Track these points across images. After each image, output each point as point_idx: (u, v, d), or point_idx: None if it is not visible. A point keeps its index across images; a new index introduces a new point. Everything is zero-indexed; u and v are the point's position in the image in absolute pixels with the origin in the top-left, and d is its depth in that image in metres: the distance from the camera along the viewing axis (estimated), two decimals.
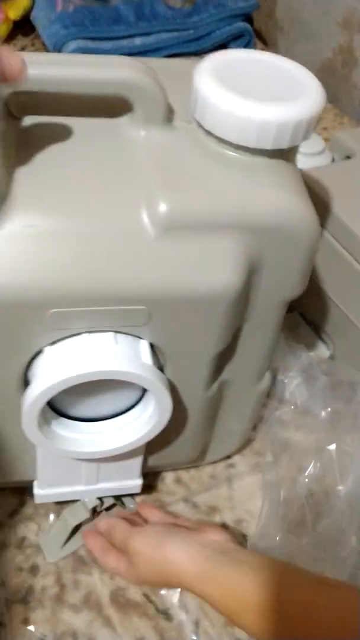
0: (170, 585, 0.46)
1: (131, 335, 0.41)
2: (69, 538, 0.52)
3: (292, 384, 0.66)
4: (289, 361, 0.66)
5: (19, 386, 0.42)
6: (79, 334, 0.40)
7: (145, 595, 0.52)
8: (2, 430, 0.45)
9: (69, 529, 0.52)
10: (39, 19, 0.99)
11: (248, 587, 0.41)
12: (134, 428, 0.45)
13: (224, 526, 0.56)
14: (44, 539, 0.53)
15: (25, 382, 0.42)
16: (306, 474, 0.59)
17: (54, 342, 0.40)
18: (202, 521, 0.56)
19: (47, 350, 0.40)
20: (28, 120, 0.41)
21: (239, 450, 0.61)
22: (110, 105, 0.41)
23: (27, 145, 0.39)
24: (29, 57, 0.35)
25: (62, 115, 0.41)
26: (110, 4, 0.97)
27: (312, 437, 0.61)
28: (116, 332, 0.40)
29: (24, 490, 0.54)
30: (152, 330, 0.41)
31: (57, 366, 0.39)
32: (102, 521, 0.51)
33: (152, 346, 0.42)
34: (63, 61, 0.39)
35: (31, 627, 0.49)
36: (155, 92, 0.39)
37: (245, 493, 0.59)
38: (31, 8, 1.00)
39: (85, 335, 0.40)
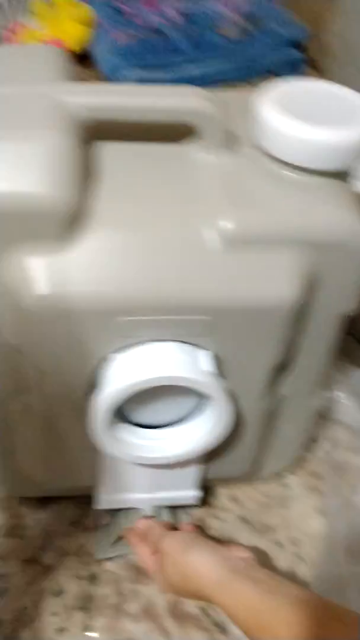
0: (192, 592, 0.47)
1: (194, 344, 0.43)
2: (119, 540, 0.54)
3: (347, 405, 0.66)
4: (344, 383, 0.67)
5: (84, 394, 0.44)
6: (144, 342, 0.42)
7: (202, 609, 0.53)
8: (66, 436, 0.48)
9: (120, 530, 0.54)
10: (97, 50, 1.03)
11: (266, 606, 0.41)
12: (195, 436, 0.47)
13: (256, 549, 0.57)
14: (97, 537, 0.55)
15: (88, 392, 0.44)
16: None
17: (120, 350, 0.42)
18: (231, 540, 0.57)
19: (115, 357, 0.43)
20: (102, 145, 0.44)
21: (293, 470, 0.62)
22: (175, 131, 0.44)
23: (103, 168, 0.43)
24: (104, 88, 0.38)
25: (132, 140, 0.44)
26: (162, 35, 1.01)
27: None
28: (180, 341, 0.43)
29: (85, 501, 0.56)
30: (214, 341, 0.43)
31: (126, 371, 0.42)
32: (142, 521, 0.53)
33: (213, 356, 0.44)
34: (135, 91, 0.43)
35: (94, 634, 0.50)
36: (220, 120, 0.42)
37: (300, 514, 0.60)
38: (88, 40, 1.05)
39: (150, 344, 0.42)
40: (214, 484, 0.60)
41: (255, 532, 0.58)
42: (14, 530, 0.56)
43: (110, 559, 0.54)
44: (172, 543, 0.48)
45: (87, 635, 0.50)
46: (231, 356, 0.44)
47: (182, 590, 0.47)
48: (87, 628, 0.51)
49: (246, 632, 0.43)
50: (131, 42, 0.99)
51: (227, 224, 0.40)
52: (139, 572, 0.54)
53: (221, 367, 0.45)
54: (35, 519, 0.56)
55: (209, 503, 0.59)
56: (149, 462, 0.47)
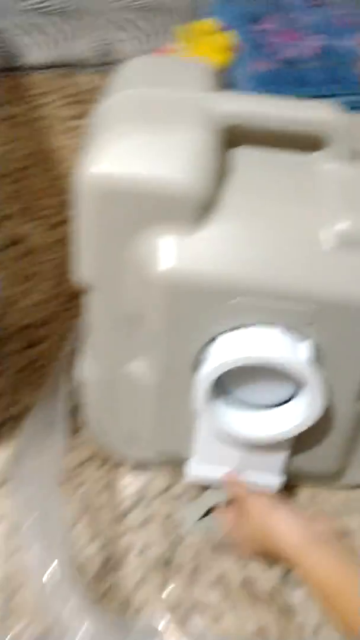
0: (271, 552, 0.49)
1: (296, 332, 0.47)
2: (205, 515, 0.58)
3: None
4: None
5: (192, 366, 0.49)
6: (250, 326, 0.47)
7: (274, 589, 0.55)
8: (168, 404, 0.53)
9: (207, 506, 0.58)
10: (235, 76, 1.10)
11: (344, 573, 0.44)
12: (286, 418, 0.50)
13: None
14: (184, 511, 0.59)
15: (195, 365, 0.49)
16: None
17: (229, 330, 0.47)
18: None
19: (221, 337, 0.47)
20: (237, 149, 0.49)
21: None
22: (301, 142, 0.49)
23: (236, 167, 0.48)
24: (246, 97, 0.44)
25: (262, 146, 0.50)
26: (299, 67, 1.07)
27: None
28: (283, 328, 0.47)
29: (175, 471, 0.60)
30: (316, 332, 0.47)
31: (230, 349, 0.46)
32: (231, 474, 0.56)
33: (314, 346, 0.48)
34: (274, 102, 0.48)
35: (167, 592, 0.55)
36: (348, 132, 0.46)
37: None
38: (226, 66, 1.12)
39: (255, 328, 0.47)
40: (297, 483, 0.62)
41: None
42: (108, 486, 0.61)
43: (194, 531, 0.59)
44: (257, 503, 0.52)
45: (161, 594, 0.55)
46: (331, 350, 0.47)
47: (262, 551, 0.51)
48: (163, 585, 0.55)
49: (320, 598, 0.46)
50: (269, 71, 1.05)
51: (341, 225, 0.44)
52: (218, 547, 0.58)
53: (320, 359, 0.48)
54: (129, 481, 0.62)
55: (290, 498, 0.62)
56: (238, 436, 0.51)
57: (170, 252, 0.45)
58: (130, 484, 0.62)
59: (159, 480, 0.62)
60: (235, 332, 0.47)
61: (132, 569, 0.56)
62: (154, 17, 1.19)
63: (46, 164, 0.97)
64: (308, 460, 0.56)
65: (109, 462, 0.63)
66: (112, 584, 0.55)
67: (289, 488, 0.61)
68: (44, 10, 1.13)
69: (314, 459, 0.56)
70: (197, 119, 0.47)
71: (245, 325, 0.47)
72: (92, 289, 0.50)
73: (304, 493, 0.63)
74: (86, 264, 0.49)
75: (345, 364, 0.49)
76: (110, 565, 0.56)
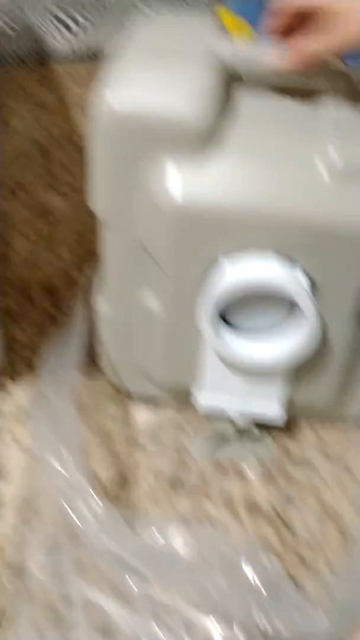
0: None
1: (291, 259, 0.51)
2: (214, 447, 0.63)
3: None
4: None
5: (198, 292, 0.54)
6: (252, 252, 0.51)
7: (274, 508, 0.59)
8: (176, 333, 0.57)
9: (215, 439, 0.62)
10: None
11: None
12: (285, 344, 0.55)
13: None
14: (193, 443, 0.64)
15: (201, 290, 0.53)
16: None
17: (231, 257, 0.51)
18: None
19: (226, 262, 0.52)
20: (242, 90, 0.54)
21: None
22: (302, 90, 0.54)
23: (239, 105, 0.53)
24: (252, 43, 0.49)
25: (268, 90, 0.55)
26: None
27: None
28: (280, 254, 0.51)
29: (184, 406, 0.65)
30: (310, 258, 0.51)
31: (234, 274, 0.51)
32: None
33: (308, 272, 0.52)
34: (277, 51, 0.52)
35: (179, 506, 0.59)
36: (349, 78, 0.51)
37: None
38: None
39: (257, 254, 0.51)
40: (299, 419, 0.66)
41: (333, 463, 0.64)
42: (122, 418, 0.66)
43: (204, 460, 0.63)
44: None
45: (172, 501, 0.59)
46: (324, 276, 0.52)
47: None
48: (174, 503, 0.59)
49: None
50: None
51: (336, 156, 0.49)
52: (224, 470, 0.62)
53: (315, 285, 0.52)
54: (141, 414, 0.66)
55: (292, 434, 0.66)
56: (243, 362, 0.55)
57: (178, 180, 0.50)
58: (142, 415, 0.66)
59: (170, 412, 0.67)
60: (239, 257, 0.52)
61: (143, 486, 0.60)
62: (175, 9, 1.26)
63: (73, 143, 1.04)
64: (308, 393, 0.60)
65: (122, 396, 0.67)
66: (124, 499, 0.59)
67: (293, 425, 0.66)
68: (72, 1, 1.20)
69: (314, 392, 0.60)
70: (205, 60, 0.52)
71: (247, 251, 0.51)
72: (106, 220, 0.55)
73: (306, 426, 0.67)
74: (100, 195, 0.54)
75: (338, 290, 0.53)
76: (122, 481, 0.61)
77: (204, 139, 0.49)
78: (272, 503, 0.60)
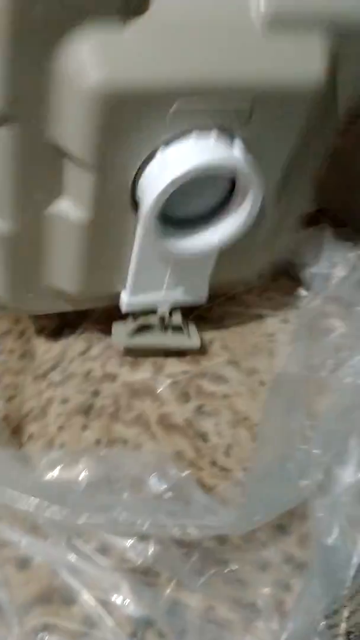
0: None
1: (231, 134, 0.48)
2: (136, 334, 0.62)
3: (336, 277, 0.72)
4: (334, 255, 0.72)
5: (130, 190, 0.49)
6: (189, 132, 0.47)
7: (187, 421, 0.60)
8: (100, 240, 0.53)
9: (137, 325, 0.61)
10: None
11: None
12: (227, 225, 0.53)
13: None
14: (116, 329, 0.63)
15: (133, 188, 0.49)
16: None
17: (167, 141, 0.47)
18: None
19: (162, 151, 0.47)
20: None
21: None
22: None
23: None
24: None
25: None
26: None
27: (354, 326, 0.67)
28: (219, 130, 0.48)
29: (91, 334, 0.64)
30: (248, 129, 0.48)
31: (175, 163, 0.47)
32: None
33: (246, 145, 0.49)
34: None
35: (88, 432, 0.59)
36: None
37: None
38: None
39: (195, 134, 0.47)
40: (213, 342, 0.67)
41: (242, 373, 0.65)
42: (27, 354, 0.65)
43: (129, 349, 0.62)
44: None
45: (83, 434, 0.59)
46: (259, 145, 0.49)
47: None
48: (84, 428, 0.59)
49: None
50: None
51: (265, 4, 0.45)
52: (136, 391, 0.62)
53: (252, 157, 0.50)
54: (47, 348, 0.65)
55: (204, 350, 0.66)
56: (182, 254, 0.53)
57: (100, 56, 0.43)
58: (48, 350, 0.65)
59: (78, 344, 0.66)
60: (176, 143, 0.47)
61: (53, 418, 0.60)
62: None
63: None
64: (231, 270, 0.60)
65: (27, 333, 0.66)
66: (33, 432, 0.59)
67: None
68: None
69: (237, 267, 0.60)
70: None
71: (184, 134, 0.47)
72: (8, 119, 0.46)
73: (217, 345, 0.67)
74: (1, 86, 0.44)
75: (268, 158, 0.51)
76: (31, 416, 0.60)
77: (125, 4, 0.43)
78: (186, 416, 0.60)
